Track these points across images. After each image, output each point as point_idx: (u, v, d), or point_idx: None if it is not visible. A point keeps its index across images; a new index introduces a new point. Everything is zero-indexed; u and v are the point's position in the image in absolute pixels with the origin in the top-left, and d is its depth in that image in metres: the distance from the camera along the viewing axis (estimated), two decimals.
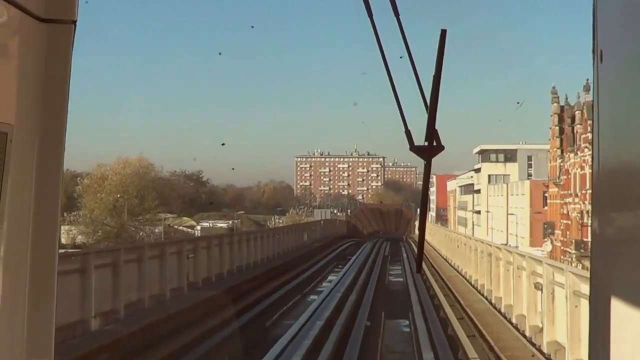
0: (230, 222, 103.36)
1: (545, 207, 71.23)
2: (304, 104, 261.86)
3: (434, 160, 2.44)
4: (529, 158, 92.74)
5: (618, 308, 1.86)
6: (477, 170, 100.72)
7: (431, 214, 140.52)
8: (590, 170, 2.30)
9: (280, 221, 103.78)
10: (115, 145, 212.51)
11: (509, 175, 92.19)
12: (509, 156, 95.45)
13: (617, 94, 2.07)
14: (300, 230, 54.54)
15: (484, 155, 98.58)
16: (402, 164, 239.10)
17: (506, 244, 49.61)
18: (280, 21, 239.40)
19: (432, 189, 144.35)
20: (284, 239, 43.02)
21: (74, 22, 1.85)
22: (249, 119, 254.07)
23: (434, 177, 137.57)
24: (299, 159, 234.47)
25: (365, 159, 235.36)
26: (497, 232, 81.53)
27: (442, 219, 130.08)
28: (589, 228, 2.26)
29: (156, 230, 78.12)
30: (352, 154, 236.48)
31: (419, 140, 2.38)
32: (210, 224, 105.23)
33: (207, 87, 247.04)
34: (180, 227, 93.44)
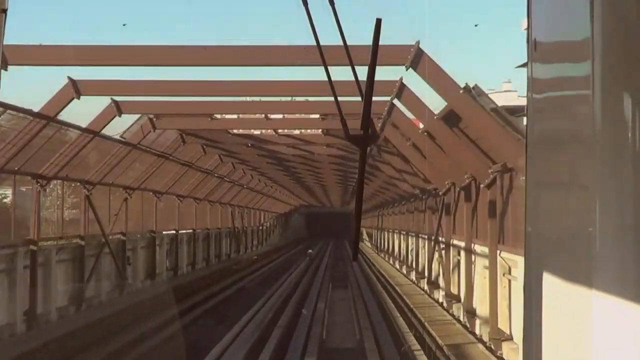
0: None
1: None
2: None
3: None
4: None
5: (550, 288, 2.15)
6: None
7: None
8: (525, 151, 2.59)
9: None
10: None
11: None
12: None
13: (551, 81, 2.33)
14: None
15: None
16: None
17: None
18: (209, 4, 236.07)
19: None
20: None
21: (4, 10, 2.02)
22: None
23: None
24: None
25: None
26: None
27: None
28: (524, 212, 2.45)
29: None
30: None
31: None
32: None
33: None
34: None
